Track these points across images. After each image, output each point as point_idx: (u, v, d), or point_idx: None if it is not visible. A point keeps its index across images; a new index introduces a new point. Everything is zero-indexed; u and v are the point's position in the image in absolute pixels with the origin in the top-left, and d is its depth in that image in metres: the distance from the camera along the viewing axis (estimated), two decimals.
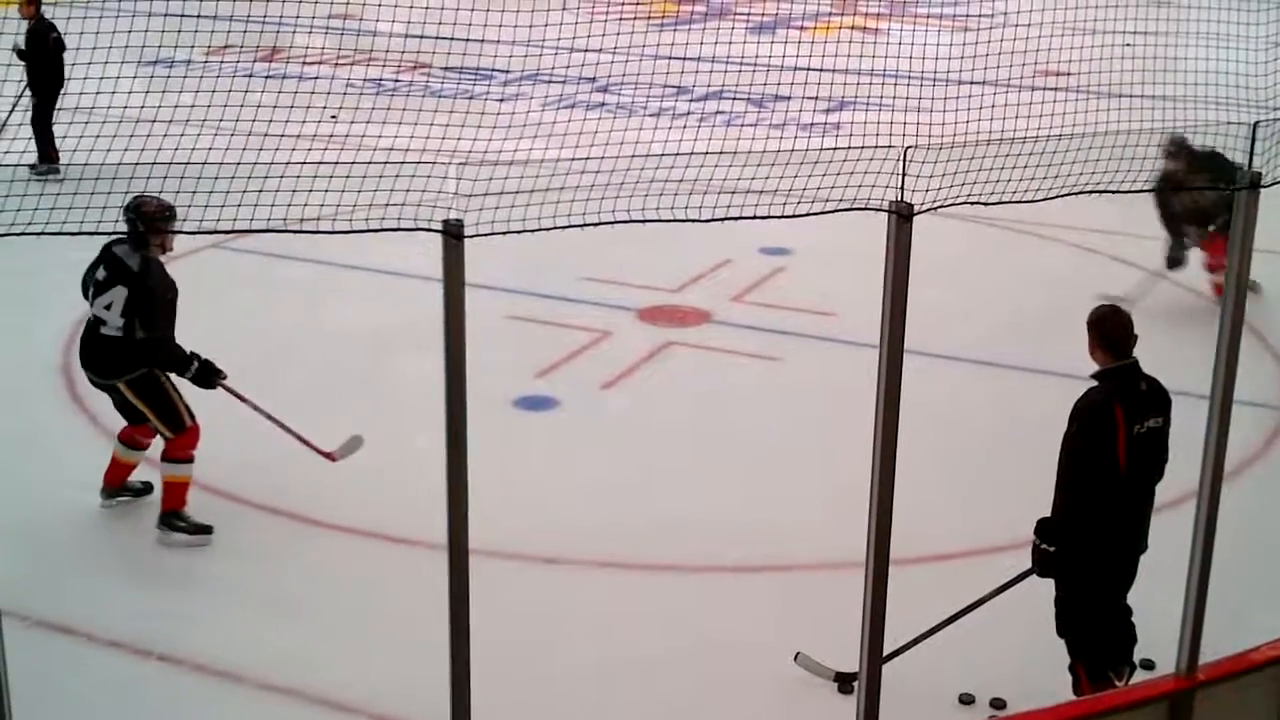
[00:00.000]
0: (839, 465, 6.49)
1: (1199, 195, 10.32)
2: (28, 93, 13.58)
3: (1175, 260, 10.82)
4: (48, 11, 13.75)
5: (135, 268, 7.12)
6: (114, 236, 7.00)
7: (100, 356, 7.22)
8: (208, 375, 7.29)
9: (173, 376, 7.25)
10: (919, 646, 5.94)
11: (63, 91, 13.53)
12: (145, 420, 7.31)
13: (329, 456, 7.56)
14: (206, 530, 7.27)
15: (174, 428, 7.24)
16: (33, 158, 13.37)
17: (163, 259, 7.26)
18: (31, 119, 13.68)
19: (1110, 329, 5.66)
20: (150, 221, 7.11)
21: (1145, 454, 5.58)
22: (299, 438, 7.50)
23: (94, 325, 7.21)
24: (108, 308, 7.11)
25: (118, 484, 7.59)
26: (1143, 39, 9.97)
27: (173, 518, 7.25)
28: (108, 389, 7.32)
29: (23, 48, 13.53)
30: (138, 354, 7.13)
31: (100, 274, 7.21)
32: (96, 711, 6.07)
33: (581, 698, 6.14)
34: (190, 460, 7.32)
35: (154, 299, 7.10)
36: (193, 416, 7.32)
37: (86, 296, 7.25)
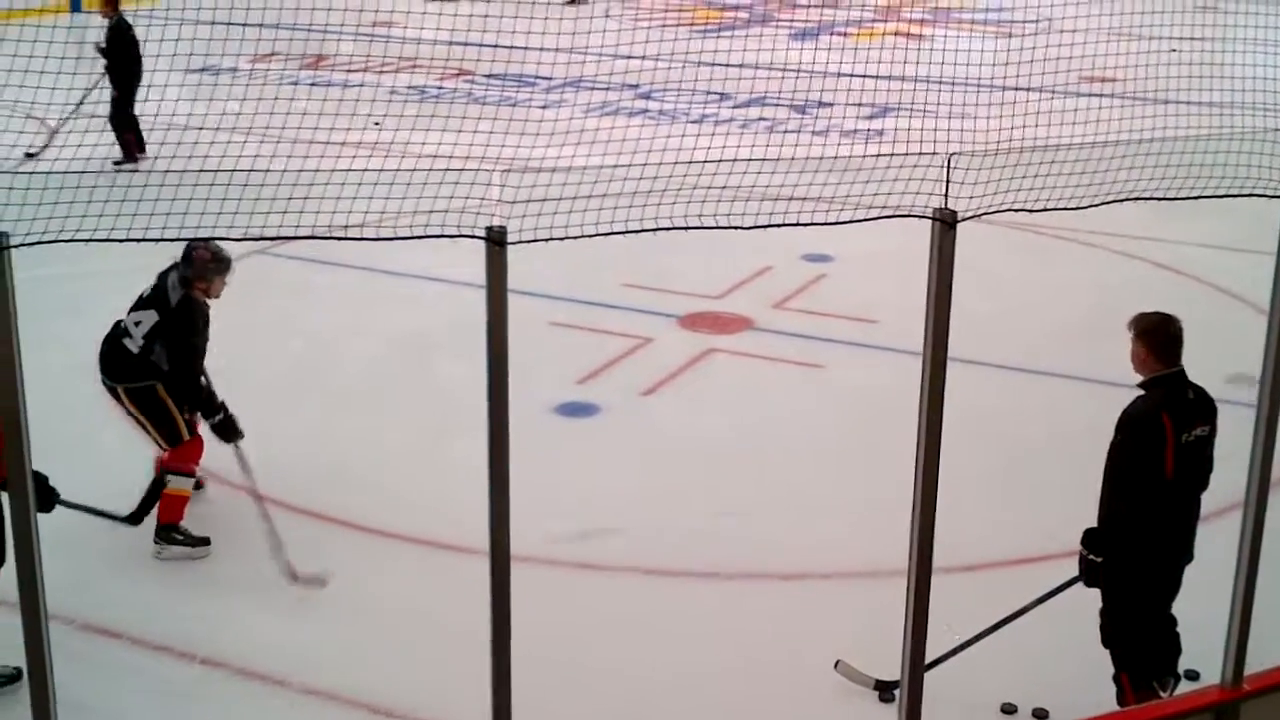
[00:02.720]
0: (881, 472, 6.46)
1: None
2: (96, 91, 13.95)
3: None
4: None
5: (174, 302, 7.22)
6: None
7: (113, 359, 7.30)
8: (229, 430, 7.35)
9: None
10: (961, 655, 5.91)
11: (140, 86, 14.14)
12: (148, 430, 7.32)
13: (292, 574, 6.98)
14: (205, 542, 7.25)
15: (171, 440, 7.27)
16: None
17: (209, 302, 7.32)
18: (110, 115, 14.21)
19: (1162, 337, 5.61)
20: (194, 268, 7.19)
21: (1192, 463, 5.54)
22: (274, 536, 7.07)
23: (120, 331, 7.31)
24: (137, 324, 7.24)
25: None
26: (1189, 44, 9.91)
27: (170, 530, 7.23)
28: (112, 392, 7.36)
29: (104, 45, 14.06)
30: (151, 372, 7.21)
31: (146, 290, 7.36)
32: (141, 715, 6.11)
33: (620, 704, 6.14)
34: (191, 474, 7.32)
35: (178, 338, 7.20)
36: (193, 431, 7.35)
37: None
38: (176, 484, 7.27)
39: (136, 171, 13.05)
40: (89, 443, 8.23)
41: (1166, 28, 10.67)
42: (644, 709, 6.13)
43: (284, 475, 7.96)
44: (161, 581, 7.06)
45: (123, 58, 14.13)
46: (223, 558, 7.23)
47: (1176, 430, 5.46)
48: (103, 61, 14.03)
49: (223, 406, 7.38)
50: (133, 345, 7.22)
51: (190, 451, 7.34)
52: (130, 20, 14.14)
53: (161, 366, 7.23)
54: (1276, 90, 9.56)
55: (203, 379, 7.36)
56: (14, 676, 6.02)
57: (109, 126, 14.10)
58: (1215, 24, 11.06)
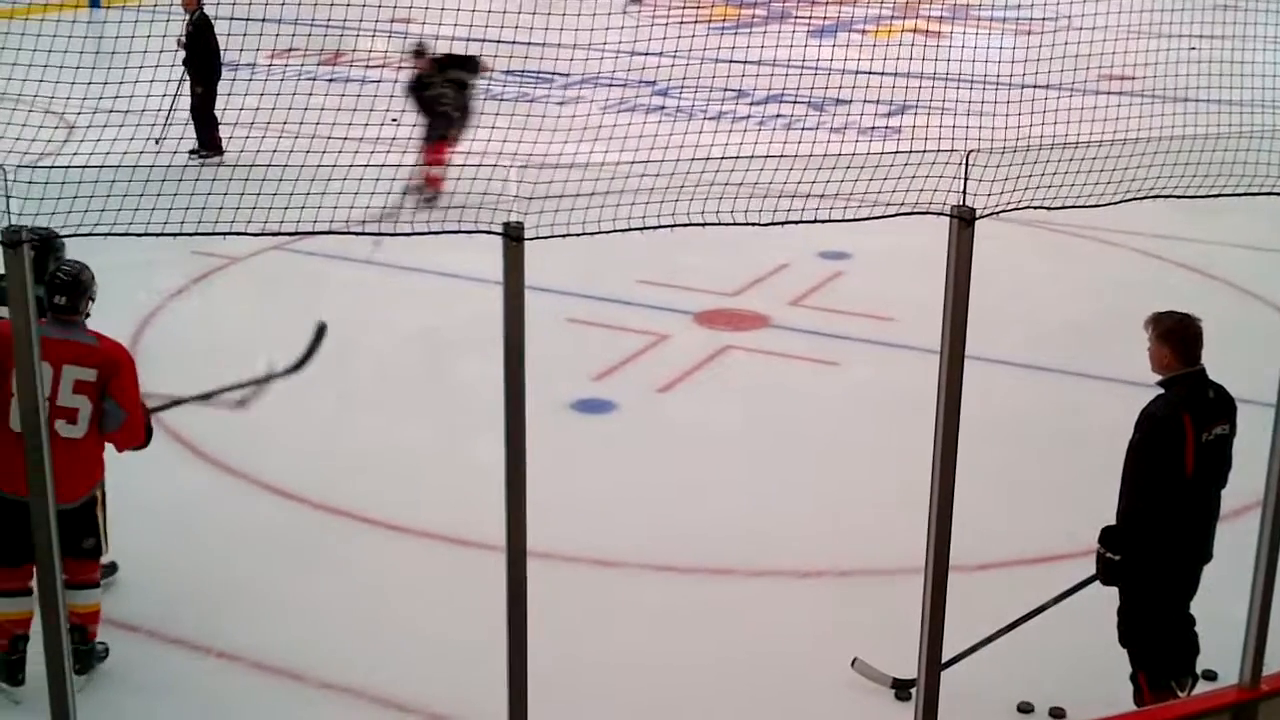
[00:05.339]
0: (897, 470, 6.45)
1: (447, 95, 12.93)
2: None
3: (427, 140, 12.49)
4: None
5: None
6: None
7: None
8: None
9: None
10: (978, 654, 5.90)
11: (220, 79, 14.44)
12: None
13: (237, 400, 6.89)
14: (113, 569, 6.80)
15: None
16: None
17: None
18: (193, 108, 14.40)
19: (1182, 336, 5.59)
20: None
21: (1212, 462, 5.52)
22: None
23: None
24: None
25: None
26: (1208, 43, 9.87)
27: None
28: None
29: (185, 40, 14.21)
30: None
31: None
32: (157, 707, 6.12)
33: (636, 701, 6.14)
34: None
35: None
36: None
37: None
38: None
39: (222, 165, 13.14)
40: None
41: (1185, 25, 10.63)
42: (660, 706, 6.13)
43: (301, 470, 7.99)
44: (177, 576, 7.07)
45: (203, 52, 14.29)
46: (240, 555, 7.24)
47: (1197, 429, 5.45)
48: (183, 55, 14.02)
49: None
50: None
51: None
52: (211, 15, 14.25)
53: None
54: None
55: None
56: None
57: (191, 119, 14.22)
58: (1234, 21, 11.00)
